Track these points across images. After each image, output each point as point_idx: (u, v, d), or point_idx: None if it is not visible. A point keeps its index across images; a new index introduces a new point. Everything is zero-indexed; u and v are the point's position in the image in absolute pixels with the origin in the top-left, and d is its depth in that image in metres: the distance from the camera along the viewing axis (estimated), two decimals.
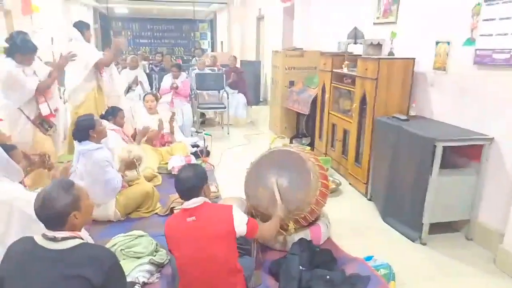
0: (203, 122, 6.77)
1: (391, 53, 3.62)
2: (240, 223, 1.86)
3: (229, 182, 3.79)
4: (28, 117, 3.25)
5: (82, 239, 1.43)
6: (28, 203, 2.18)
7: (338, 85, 4.11)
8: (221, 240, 1.80)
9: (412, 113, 3.32)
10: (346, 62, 4.00)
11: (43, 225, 1.40)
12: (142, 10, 17.02)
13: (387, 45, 3.68)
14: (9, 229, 2.11)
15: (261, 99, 9.18)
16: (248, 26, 10.96)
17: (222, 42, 16.12)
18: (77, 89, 4.01)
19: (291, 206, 2.34)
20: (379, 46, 3.66)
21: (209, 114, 7.16)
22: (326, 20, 5.41)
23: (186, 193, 1.89)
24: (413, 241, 2.78)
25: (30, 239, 1.38)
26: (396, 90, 3.31)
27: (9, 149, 2.31)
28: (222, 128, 6.43)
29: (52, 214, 1.36)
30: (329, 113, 4.32)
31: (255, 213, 2.52)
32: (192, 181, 1.88)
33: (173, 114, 4.72)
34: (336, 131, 4.20)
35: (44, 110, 3.30)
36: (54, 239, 1.35)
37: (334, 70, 4.17)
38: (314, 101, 4.74)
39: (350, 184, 3.86)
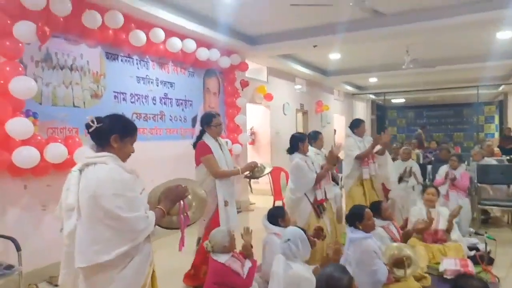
0: (486, 220, 5.78)
1: None
2: None
3: None
4: (309, 201, 3.75)
5: None
6: (311, 284, 2.48)
7: None
8: None
9: None
10: None
11: None
12: (419, 99, 17.23)
13: None
14: None
15: None
16: None
17: None
18: (348, 176, 4.54)
19: None
20: None
21: (495, 212, 6.07)
22: None
23: None
24: None
25: None
26: None
27: (304, 231, 2.77)
28: None
29: None
30: None
31: None
32: None
33: (458, 208, 4.24)
34: None
35: (318, 196, 3.75)
36: None
37: None
38: None
39: None
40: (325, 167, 3.79)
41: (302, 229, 2.78)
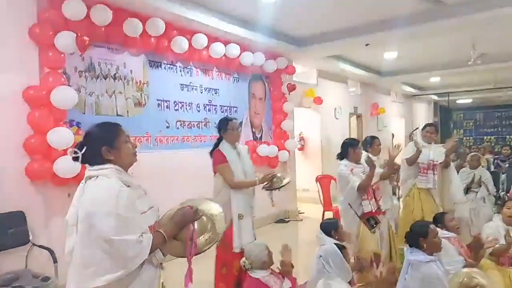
0: None
1: None
2: None
3: None
4: (355, 213, 3.38)
5: None
6: None
7: None
8: None
9: None
10: None
11: None
12: (488, 98, 15.65)
13: None
14: None
15: None
16: None
17: None
18: (403, 184, 4.20)
19: None
20: None
21: None
22: None
23: None
24: None
25: None
26: None
27: (341, 248, 2.47)
28: None
29: None
30: None
31: None
32: None
33: None
34: None
35: (366, 208, 3.37)
36: None
37: None
38: None
39: None
40: (370, 172, 3.40)
41: (341, 246, 2.48)
